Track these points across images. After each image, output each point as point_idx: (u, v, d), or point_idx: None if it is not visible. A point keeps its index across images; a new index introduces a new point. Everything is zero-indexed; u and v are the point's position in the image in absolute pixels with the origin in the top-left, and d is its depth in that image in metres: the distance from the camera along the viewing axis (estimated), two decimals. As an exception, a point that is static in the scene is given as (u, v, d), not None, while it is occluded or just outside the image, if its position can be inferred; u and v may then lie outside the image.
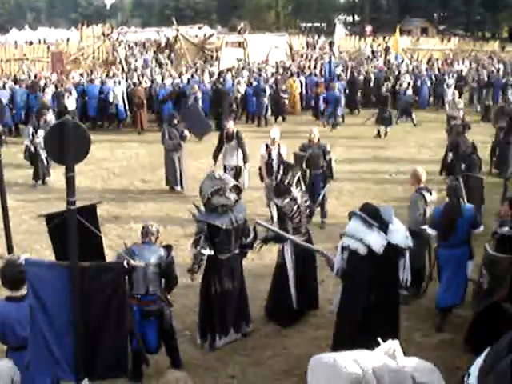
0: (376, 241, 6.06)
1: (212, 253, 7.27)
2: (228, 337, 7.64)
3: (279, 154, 11.46)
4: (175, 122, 14.16)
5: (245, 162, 12.71)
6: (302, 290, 8.02)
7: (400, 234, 6.35)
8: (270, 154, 11.57)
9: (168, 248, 6.84)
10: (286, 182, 8.12)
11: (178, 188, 14.02)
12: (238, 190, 7.65)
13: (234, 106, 22.55)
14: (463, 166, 11.48)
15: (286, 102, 23.36)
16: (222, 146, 12.95)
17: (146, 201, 13.54)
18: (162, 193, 14.01)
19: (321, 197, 10.81)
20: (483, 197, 10.65)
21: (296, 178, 8.18)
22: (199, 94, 22.03)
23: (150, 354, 6.80)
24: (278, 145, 11.58)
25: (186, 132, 14.04)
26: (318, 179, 11.52)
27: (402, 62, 31.10)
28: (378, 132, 20.01)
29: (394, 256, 6.29)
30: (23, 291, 4.96)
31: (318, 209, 11.70)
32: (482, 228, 7.79)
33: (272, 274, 8.24)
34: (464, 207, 7.83)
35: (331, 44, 37.17)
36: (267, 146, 11.63)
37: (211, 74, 25.23)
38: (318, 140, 11.69)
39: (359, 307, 6.25)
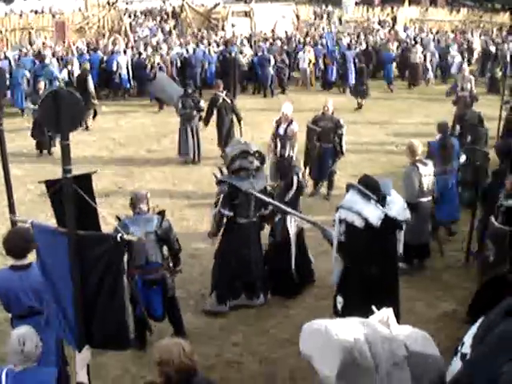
0: (373, 214, 6.00)
1: (231, 214, 7.42)
2: (239, 300, 7.76)
3: (285, 131, 11.05)
4: (189, 91, 14.08)
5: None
6: (299, 263, 8.10)
7: (398, 207, 6.30)
8: (277, 128, 11.24)
9: (161, 214, 6.80)
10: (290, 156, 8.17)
11: (189, 156, 13.93)
12: (261, 158, 7.76)
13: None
14: (469, 138, 11.38)
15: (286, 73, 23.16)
16: (213, 112, 13.79)
17: (151, 171, 13.54)
18: (168, 163, 13.99)
19: (328, 170, 10.84)
20: (487, 171, 10.59)
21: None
22: (206, 64, 21.99)
23: (156, 322, 6.89)
24: (290, 120, 11.14)
25: (202, 102, 13.96)
26: (327, 153, 11.33)
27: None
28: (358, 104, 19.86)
29: (391, 228, 6.26)
30: (27, 260, 5.01)
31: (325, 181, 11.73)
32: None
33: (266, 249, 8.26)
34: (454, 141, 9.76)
35: (329, 14, 36.80)
36: (278, 120, 11.32)
37: (218, 44, 25.02)
38: (332, 113, 11.57)
39: (359, 279, 6.24)
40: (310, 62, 23.22)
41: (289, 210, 7.53)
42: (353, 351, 1.76)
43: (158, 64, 20.31)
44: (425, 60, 24.18)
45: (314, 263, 8.52)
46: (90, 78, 17.40)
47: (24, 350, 4.03)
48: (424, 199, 8.42)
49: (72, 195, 3.99)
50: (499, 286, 6.52)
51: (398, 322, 6.23)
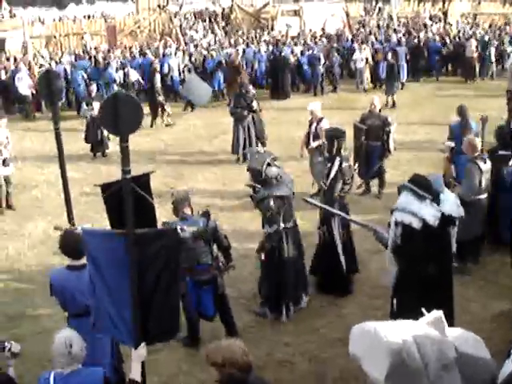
0: (430, 213, 5.88)
1: (287, 225, 7.33)
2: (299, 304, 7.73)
3: (315, 129, 11.06)
4: (243, 90, 14.17)
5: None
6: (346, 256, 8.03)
7: (451, 203, 6.20)
8: (310, 126, 11.31)
9: (206, 214, 6.74)
10: (334, 150, 7.96)
11: (238, 156, 14.02)
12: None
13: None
14: None
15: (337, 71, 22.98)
16: None
17: (203, 171, 13.67)
18: (220, 163, 14.10)
19: (375, 168, 10.68)
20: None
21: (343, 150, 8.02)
22: (256, 65, 22.11)
23: (208, 321, 6.95)
24: (320, 119, 11.13)
25: (255, 102, 14.01)
26: (375, 151, 11.21)
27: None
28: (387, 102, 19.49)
29: (446, 226, 6.15)
30: (83, 260, 5.13)
31: (376, 180, 11.61)
32: None
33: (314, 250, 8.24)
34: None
35: (380, 10, 36.35)
36: (310, 119, 11.36)
37: (267, 43, 25.06)
38: (380, 110, 11.43)
39: (416, 281, 6.12)
40: (367, 60, 22.68)
41: (339, 212, 7.43)
42: (401, 352, 1.75)
43: (186, 66, 20.38)
44: (479, 54, 23.70)
45: (368, 263, 8.46)
46: (157, 75, 18.20)
47: (72, 351, 4.10)
48: (482, 196, 8.32)
49: (131, 196, 4.07)
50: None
51: (453, 323, 6.20)
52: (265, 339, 7.20)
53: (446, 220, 6.01)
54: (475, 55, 23.36)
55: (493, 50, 23.89)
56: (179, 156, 15.07)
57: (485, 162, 8.29)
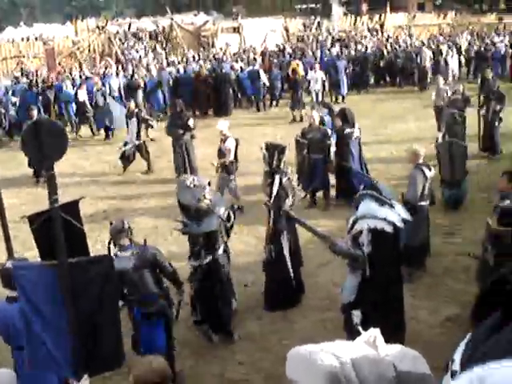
0: (395, 217, 6.00)
1: (209, 259, 7.18)
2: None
3: (220, 148, 11.42)
4: (178, 110, 14.13)
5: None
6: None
7: (401, 209, 6.35)
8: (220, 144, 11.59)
9: (144, 244, 6.32)
10: (275, 163, 7.97)
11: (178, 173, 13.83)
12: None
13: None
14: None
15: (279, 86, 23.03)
16: None
17: (150, 191, 13.52)
18: (166, 183, 13.95)
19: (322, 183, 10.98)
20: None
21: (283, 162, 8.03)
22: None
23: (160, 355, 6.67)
24: (226, 138, 11.34)
25: (191, 121, 13.97)
26: (318, 164, 11.44)
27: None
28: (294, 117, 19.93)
29: (398, 231, 6.25)
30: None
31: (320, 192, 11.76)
32: None
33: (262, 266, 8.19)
34: None
35: (319, 24, 37.01)
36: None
37: (209, 60, 25.13)
38: (319, 124, 11.66)
39: (379, 289, 6.15)
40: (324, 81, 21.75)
41: (302, 221, 7.28)
42: (338, 375, 1.73)
43: (99, 90, 20.06)
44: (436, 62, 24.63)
45: (316, 275, 8.46)
46: (140, 91, 19.39)
47: None
48: (424, 203, 8.50)
49: (60, 224, 3.95)
50: (500, 290, 6.45)
51: (404, 331, 6.27)
52: (218, 358, 7.12)
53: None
54: (428, 64, 24.04)
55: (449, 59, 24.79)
56: (124, 177, 14.88)
57: (430, 170, 8.47)
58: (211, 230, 7.12)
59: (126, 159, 15.05)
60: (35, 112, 15.44)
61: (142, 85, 21.01)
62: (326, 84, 22.20)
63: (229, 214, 7.56)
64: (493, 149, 14.14)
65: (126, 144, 14.96)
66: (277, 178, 7.85)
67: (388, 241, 6.02)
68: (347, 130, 11.41)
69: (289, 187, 8.00)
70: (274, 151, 7.99)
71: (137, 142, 14.81)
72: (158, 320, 6.32)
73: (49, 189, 3.92)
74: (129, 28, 34.06)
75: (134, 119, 14.74)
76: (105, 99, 19.19)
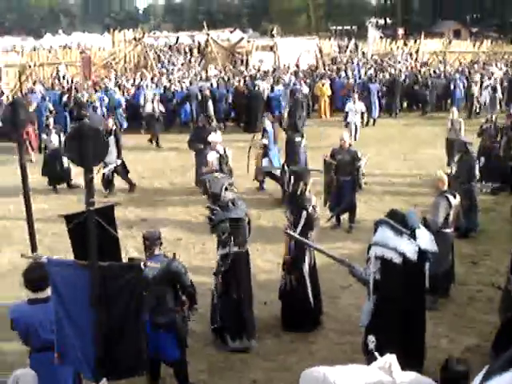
0: (409, 248, 5.93)
1: (236, 249, 7.37)
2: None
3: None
4: (200, 124, 14.27)
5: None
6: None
7: (427, 239, 6.27)
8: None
9: (172, 257, 6.40)
10: (299, 191, 7.94)
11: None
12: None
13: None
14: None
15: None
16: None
17: (174, 203, 13.59)
18: (191, 194, 14.00)
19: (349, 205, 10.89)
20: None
21: (308, 186, 8.04)
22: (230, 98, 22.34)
23: (167, 365, 6.64)
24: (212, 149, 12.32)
25: (212, 136, 13.99)
26: (346, 186, 11.33)
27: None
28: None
29: (422, 261, 6.18)
30: (47, 293, 5.00)
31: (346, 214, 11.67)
32: None
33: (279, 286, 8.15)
34: None
35: (357, 46, 37.00)
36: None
37: (243, 77, 25.24)
38: (349, 145, 11.61)
39: (392, 317, 6.11)
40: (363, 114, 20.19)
41: (315, 245, 7.39)
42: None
43: (88, 101, 20.26)
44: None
45: (338, 298, 8.46)
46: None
47: None
48: (449, 230, 8.40)
49: (94, 227, 4.03)
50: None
51: (423, 358, 6.17)
52: (234, 371, 7.08)
53: (420, 254, 6.05)
54: (477, 93, 23.74)
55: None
56: (152, 188, 15.01)
57: (454, 197, 8.40)
58: (238, 216, 7.38)
59: (107, 182, 14.19)
60: (51, 120, 15.63)
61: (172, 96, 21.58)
62: (365, 116, 21.24)
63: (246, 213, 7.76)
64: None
65: (105, 165, 13.58)
66: (303, 213, 7.75)
67: (396, 271, 5.96)
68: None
69: (313, 216, 7.86)
70: (299, 180, 7.98)
71: (118, 162, 14.02)
72: (165, 331, 6.26)
73: (86, 191, 4.02)
74: (176, 42, 34.51)
75: (112, 137, 13.67)
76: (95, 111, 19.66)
